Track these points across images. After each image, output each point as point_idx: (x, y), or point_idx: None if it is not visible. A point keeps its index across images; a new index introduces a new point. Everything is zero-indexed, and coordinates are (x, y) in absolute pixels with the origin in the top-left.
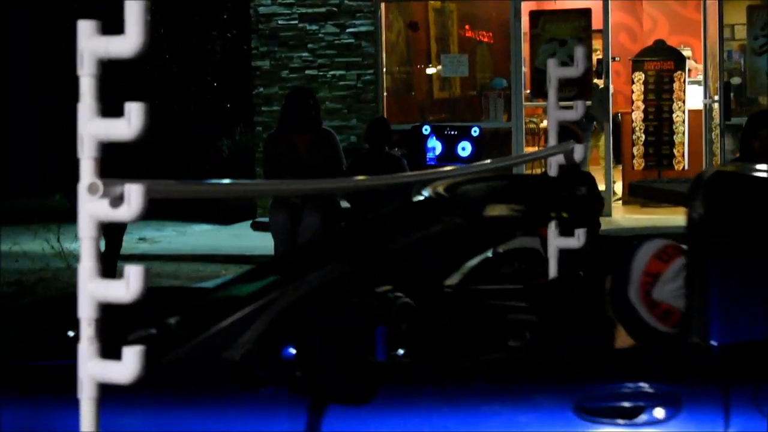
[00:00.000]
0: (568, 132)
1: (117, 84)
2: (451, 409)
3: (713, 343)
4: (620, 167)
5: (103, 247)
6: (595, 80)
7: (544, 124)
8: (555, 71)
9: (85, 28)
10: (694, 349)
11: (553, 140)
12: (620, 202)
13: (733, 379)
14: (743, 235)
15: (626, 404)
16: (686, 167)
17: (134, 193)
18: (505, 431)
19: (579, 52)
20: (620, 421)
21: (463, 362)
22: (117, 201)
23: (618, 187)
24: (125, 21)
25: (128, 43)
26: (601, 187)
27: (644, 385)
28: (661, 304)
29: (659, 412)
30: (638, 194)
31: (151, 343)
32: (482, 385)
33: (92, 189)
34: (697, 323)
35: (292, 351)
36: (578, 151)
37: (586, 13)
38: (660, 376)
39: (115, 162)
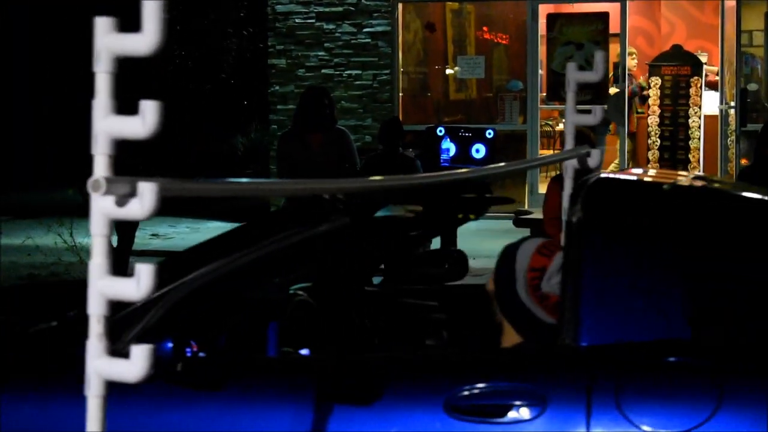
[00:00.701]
0: (581, 136)
1: (132, 82)
2: (319, 405)
3: (583, 344)
4: None
5: (115, 243)
6: (611, 85)
7: (560, 127)
8: (574, 75)
9: (102, 24)
10: (562, 350)
11: (570, 144)
12: None
13: (597, 380)
14: (618, 240)
15: (494, 403)
16: (701, 172)
17: (147, 192)
18: (375, 430)
19: (599, 56)
20: (488, 420)
21: (336, 359)
22: (129, 199)
23: None
24: (142, 18)
25: (145, 40)
26: None
27: (512, 385)
28: (550, 296)
29: (525, 412)
30: None
31: (51, 335)
32: (353, 382)
33: (95, 186)
34: (568, 324)
35: (171, 344)
36: (594, 157)
37: (603, 16)
38: (528, 376)
39: (131, 159)
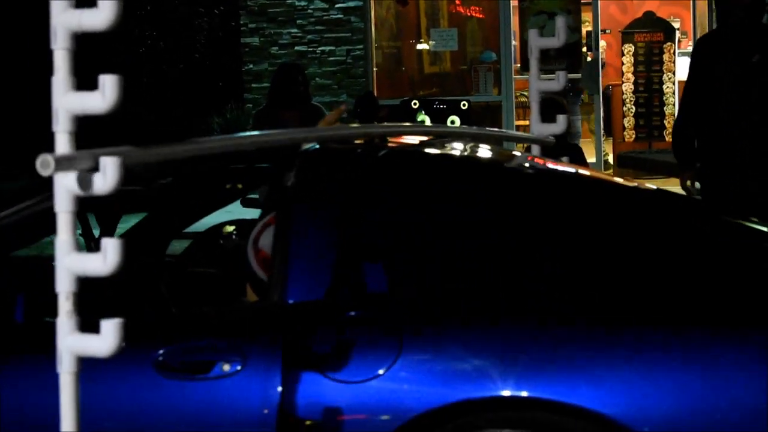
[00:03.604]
0: (552, 103)
1: (101, 64)
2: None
3: (289, 301)
4: (611, 140)
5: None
6: (585, 52)
7: None
8: (536, 42)
9: (58, 2)
10: (268, 307)
11: (535, 110)
12: (610, 173)
13: (294, 335)
14: (324, 205)
15: (199, 360)
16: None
17: (109, 165)
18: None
19: (560, 22)
20: (193, 377)
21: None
22: (92, 174)
23: (608, 160)
24: None
25: (101, 16)
26: (592, 159)
27: (215, 341)
28: (261, 251)
29: (226, 367)
30: (627, 165)
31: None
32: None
33: (44, 164)
34: (276, 282)
35: None
36: (560, 122)
37: None
38: (231, 333)
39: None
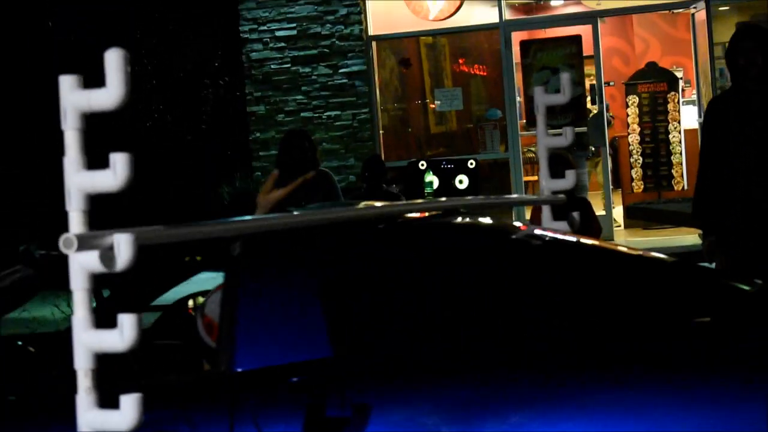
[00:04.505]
0: (559, 159)
1: (109, 140)
2: None
3: (237, 369)
4: (620, 191)
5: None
6: (590, 106)
7: None
8: (542, 99)
9: (67, 82)
10: (217, 376)
11: (544, 167)
12: (621, 227)
13: (239, 404)
14: (270, 270)
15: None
16: (686, 187)
17: (123, 243)
18: None
19: (564, 78)
20: None
21: None
22: (108, 252)
23: (618, 212)
24: (106, 73)
25: (110, 95)
26: (601, 212)
27: (165, 412)
28: (206, 316)
29: None
30: (637, 216)
31: None
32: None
33: (67, 243)
34: (224, 350)
35: None
36: (569, 178)
37: (576, 39)
38: (180, 403)
39: (114, 217)
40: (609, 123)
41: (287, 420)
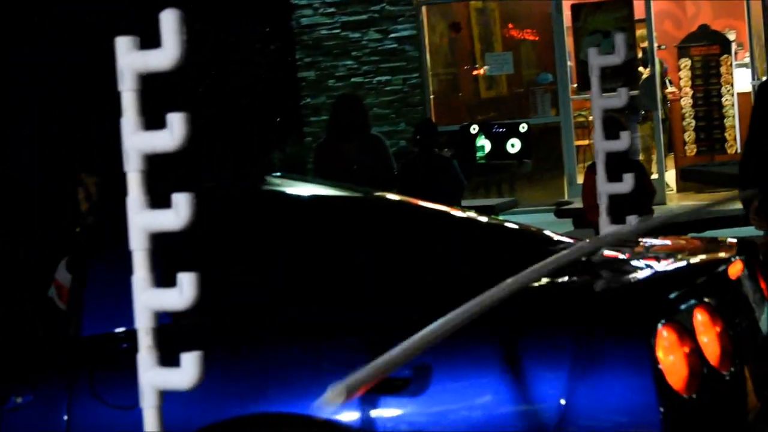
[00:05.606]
0: (612, 122)
1: (163, 101)
2: None
3: (84, 334)
4: (672, 155)
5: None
6: (641, 69)
7: None
8: (596, 60)
9: (123, 44)
10: (61, 340)
11: (598, 128)
12: (674, 191)
13: (79, 367)
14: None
15: None
16: (738, 150)
17: (182, 202)
18: None
19: (619, 39)
20: None
21: None
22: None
23: (670, 176)
24: (161, 34)
25: (166, 56)
26: (655, 175)
27: (12, 374)
28: (55, 280)
29: (19, 399)
30: (691, 179)
31: None
32: None
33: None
34: (72, 316)
35: None
36: (624, 139)
37: (627, 2)
38: (26, 366)
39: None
40: (667, 85)
41: (121, 384)
